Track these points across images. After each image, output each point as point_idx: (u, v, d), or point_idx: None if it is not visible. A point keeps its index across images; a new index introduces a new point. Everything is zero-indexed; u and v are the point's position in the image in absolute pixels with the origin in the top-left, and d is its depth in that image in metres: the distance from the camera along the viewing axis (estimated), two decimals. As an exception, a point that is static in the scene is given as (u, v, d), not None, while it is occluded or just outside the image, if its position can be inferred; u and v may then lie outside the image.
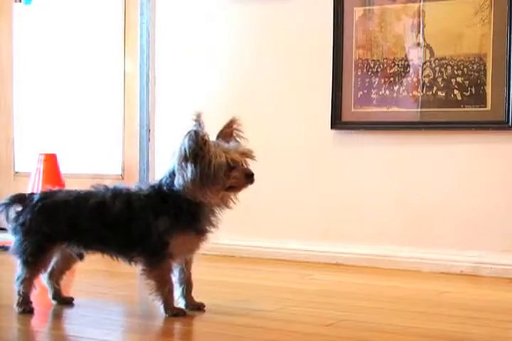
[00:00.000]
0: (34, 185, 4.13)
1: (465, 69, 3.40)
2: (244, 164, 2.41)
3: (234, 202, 2.46)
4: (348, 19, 3.62)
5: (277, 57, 3.86)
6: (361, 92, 3.62)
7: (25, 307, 2.50)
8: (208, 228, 2.46)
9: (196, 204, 2.40)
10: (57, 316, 2.60)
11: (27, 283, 2.50)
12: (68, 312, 2.62)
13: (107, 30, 4.45)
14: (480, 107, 3.38)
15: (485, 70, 3.37)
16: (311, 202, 3.77)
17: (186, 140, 2.32)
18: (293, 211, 3.81)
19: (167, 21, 4.16)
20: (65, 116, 4.61)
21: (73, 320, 2.55)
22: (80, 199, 2.48)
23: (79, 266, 2.77)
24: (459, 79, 3.42)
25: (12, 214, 2.53)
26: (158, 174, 4.15)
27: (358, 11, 3.60)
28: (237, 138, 2.49)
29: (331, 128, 3.70)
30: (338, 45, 3.64)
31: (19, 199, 2.55)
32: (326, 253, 3.68)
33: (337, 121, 3.68)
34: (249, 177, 2.39)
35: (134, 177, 4.28)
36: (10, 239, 2.58)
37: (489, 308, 2.70)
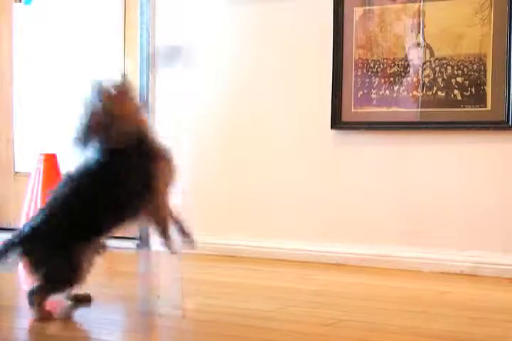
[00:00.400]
0: (34, 186, 4.13)
1: (465, 69, 3.40)
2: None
3: (137, 114, 2.53)
4: (348, 19, 3.62)
5: (277, 57, 3.85)
6: (361, 92, 3.62)
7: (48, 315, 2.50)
8: (156, 147, 2.53)
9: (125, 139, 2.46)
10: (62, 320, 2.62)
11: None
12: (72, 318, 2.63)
13: (106, 29, 4.45)
14: (480, 107, 3.38)
15: (485, 70, 3.36)
16: (311, 202, 3.77)
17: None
18: (293, 211, 3.81)
19: (167, 21, 4.16)
20: (65, 116, 4.60)
21: (73, 319, 2.55)
22: (54, 202, 2.51)
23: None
24: (458, 79, 3.42)
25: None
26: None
27: (358, 11, 3.60)
28: None
29: (331, 128, 3.70)
30: (338, 45, 3.64)
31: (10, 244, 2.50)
32: (326, 254, 3.68)
33: (337, 121, 3.68)
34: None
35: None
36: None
37: (489, 308, 2.70)
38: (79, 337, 2.29)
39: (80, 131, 2.49)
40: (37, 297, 2.46)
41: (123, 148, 2.47)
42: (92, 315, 2.56)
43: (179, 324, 2.45)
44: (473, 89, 3.39)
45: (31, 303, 2.46)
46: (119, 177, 2.46)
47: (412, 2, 3.48)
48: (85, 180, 2.48)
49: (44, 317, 2.44)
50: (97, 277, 3.02)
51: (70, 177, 2.51)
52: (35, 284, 2.47)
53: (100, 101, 2.48)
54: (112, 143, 2.47)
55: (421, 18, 3.48)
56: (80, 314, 2.58)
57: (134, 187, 2.46)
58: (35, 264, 2.47)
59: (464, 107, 3.41)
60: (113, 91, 2.49)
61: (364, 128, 3.65)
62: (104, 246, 2.58)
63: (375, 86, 3.58)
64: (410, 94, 3.51)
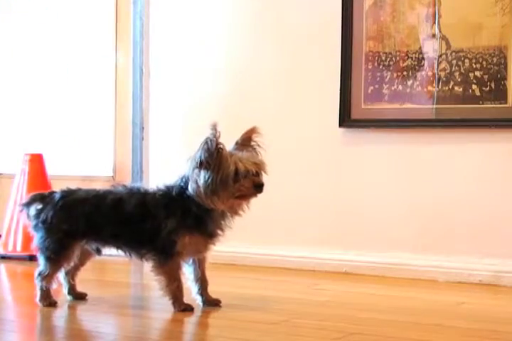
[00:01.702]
0: (19, 187, 4.12)
1: (484, 62, 3.40)
2: (255, 174, 2.64)
3: (243, 211, 2.72)
4: (358, 8, 3.62)
5: (281, 50, 3.85)
6: (372, 88, 3.62)
7: (50, 301, 2.81)
8: (215, 232, 2.71)
9: (205, 209, 2.66)
10: (47, 330, 2.63)
11: (49, 278, 2.80)
12: (57, 326, 2.65)
13: (97, 20, 4.44)
14: (500, 103, 3.38)
15: (505, 64, 3.36)
16: (317, 205, 3.77)
17: (201, 148, 2.61)
18: (298, 215, 3.81)
19: (162, 10, 4.16)
20: (53, 114, 4.60)
21: (59, 333, 2.56)
22: (99, 197, 2.79)
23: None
24: (477, 74, 3.41)
25: (32, 212, 2.84)
26: (152, 175, 4.16)
27: (369, 0, 3.60)
28: (256, 148, 2.73)
29: (340, 126, 3.70)
30: (347, 37, 3.64)
31: (39, 198, 2.86)
32: (333, 262, 3.68)
33: (346, 119, 3.68)
34: (257, 187, 2.64)
35: (126, 180, 4.27)
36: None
37: (511, 320, 2.69)
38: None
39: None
40: None
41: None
42: (80, 327, 2.55)
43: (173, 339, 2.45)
44: (492, 84, 3.38)
45: None
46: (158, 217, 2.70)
47: (427, -10, 3.49)
48: (135, 202, 2.73)
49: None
50: (87, 286, 3.03)
51: (133, 190, 2.78)
52: None
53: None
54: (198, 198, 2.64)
55: (436, 7, 3.48)
56: (66, 326, 2.57)
57: (160, 235, 2.69)
58: None
59: (482, 103, 3.41)
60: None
61: (375, 126, 3.64)
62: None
63: (386, 81, 3.58)
64: (425, 90, 3.51)
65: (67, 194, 2.83)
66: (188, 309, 2.73)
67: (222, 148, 2.63)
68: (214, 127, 2.61)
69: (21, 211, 2.89)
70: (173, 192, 2.70)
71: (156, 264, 2.72)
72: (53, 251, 2.77)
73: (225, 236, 2.74)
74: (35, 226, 2.82)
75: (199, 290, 2.82)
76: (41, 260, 2.81)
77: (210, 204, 2.63)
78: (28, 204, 2.86)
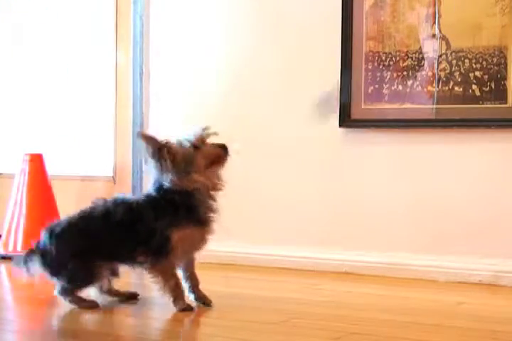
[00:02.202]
0: (19, 187, 4.13)
1: (484, 62, 3.40)
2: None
3: (222, 183, 2.75)
4: (358, 8, 3.62)
5: (281, 50, 3.85)
6: (372, 88, 3.62)
7: (89, 304, 2.81)
8: (207, 216, 2.72)
9: (189, 196, 2.69)
10: (47, 330, 2.64)
11: (70, 292, 2.80)
12: (57, 326, 2.66)
13: (97, 20, 4.45)
14: (500, 104, 3.38)
15: (505, 64, 3.37)
16: (317, 205, 3.77)
17: (143, 147, 2.66)
18: (298, 215, 3.81)
19: (162, 9, 4.16)
20: (53, 114, 4.61)
21: (59, 333, 2.57)
22: (86, 217, 2.78)
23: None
24: (477, 74, 3.42)
25: (31, 266, 2.81)
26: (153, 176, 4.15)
27: (369, 0, 3.61)
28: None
29: (340, 126, 3.70)
30: (347, 37, 3.64)
31: (30, 251, 2.82)
32: (333, 262, 3.68)
33: (346, 119, 3.68)
34: (221, 147, 2.69)
35: (126, 180, 4.28)
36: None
37: (510, 320, 2.70)
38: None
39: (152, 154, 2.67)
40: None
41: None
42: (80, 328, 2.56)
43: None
44: (492, 84, 3.39)
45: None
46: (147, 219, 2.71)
47: (427, -10, 3.50)
48: (122, 210, 2.74)
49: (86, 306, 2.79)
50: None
51: (116, 201, 2.78)
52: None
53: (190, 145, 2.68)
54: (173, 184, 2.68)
55: (436, 7, 3.48)
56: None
57: (153, 237, 2.70)
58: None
59: (482, 104, 3.42)
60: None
61: (375, 127, 3.65)
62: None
63: (386, 81, 3.59)
64: (425, 90, 3.51)
65: (52, 229, 2.80)
66: (188, 309, 2.73)
67: (156, 137, 2.66)
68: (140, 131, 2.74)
69: (19, 268, 2.85)
70: (154, 195, 2.72)
71: (150, 264, 2.72)
72: (81, 280, 2.78)
73: (218, 220, 2.76)
74: (51, 274, 2.79)
75: (190, 287, 2.82)
76: (67, 285, 2.79)
77: (189, 182, 2.66)
78: (25, 262, 2.82)
